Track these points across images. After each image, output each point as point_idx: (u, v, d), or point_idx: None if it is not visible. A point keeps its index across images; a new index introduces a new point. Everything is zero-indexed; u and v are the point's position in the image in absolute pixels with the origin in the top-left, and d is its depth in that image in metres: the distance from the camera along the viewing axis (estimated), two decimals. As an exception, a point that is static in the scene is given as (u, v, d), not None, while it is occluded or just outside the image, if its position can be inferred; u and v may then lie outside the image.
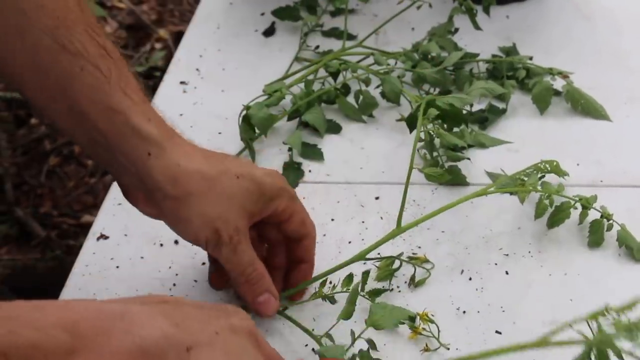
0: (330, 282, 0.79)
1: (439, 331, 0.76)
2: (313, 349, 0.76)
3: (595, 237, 0.84)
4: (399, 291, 0.81)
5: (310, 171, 0.96)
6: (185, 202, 0.69)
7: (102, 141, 0.68)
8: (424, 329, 0.76)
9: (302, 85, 1.03)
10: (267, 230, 0.79)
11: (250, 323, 0.58)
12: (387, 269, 0.81)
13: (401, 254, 0.82)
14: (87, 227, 2.01)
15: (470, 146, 0.97)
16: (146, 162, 0.68)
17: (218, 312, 0.57)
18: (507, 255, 0.84)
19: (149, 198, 0.71)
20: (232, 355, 0.52)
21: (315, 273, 0.82)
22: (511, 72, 1.06)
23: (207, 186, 0.70)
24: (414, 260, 0.82)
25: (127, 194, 0.74)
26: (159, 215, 0.73)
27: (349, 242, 0.86)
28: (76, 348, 0.45)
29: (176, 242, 0.86)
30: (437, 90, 1.03)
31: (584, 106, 1.01)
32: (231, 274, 0.74)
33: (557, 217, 0.85)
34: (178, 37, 2.06)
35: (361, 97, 1.02)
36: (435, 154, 0.93)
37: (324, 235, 0.87)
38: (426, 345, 0.75)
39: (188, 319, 0.52)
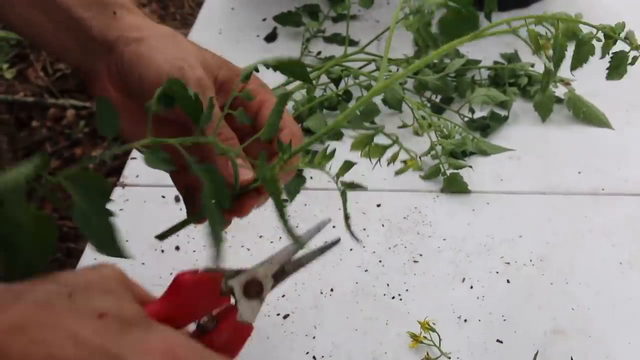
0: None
1: (440, 340, 0.76)
2: (314, 357, 0.76)
3: (618, 69, 0.79)
4: (401, 299, 0.81)
5: (311, 178, 0.95)
6: (147, 43, 0.66)
7: (64, 19, 0.68)
8: (425, 337, 0.76)
9: (303, 91, 1.03)
10: None
11: (119, 272, 0.56)
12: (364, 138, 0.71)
13: (382, 127, 0.69)
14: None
15: (472, 153, 0.97)
16: (111, 22, 0.68)
17: (91, 269, 0.55)
18: (509, 263, 0.84)
19: (112, 56, 0.68)
20: (106, 291, 0.53)
21: (316, 272, 0.81)
22: (513, 79, 1.06)
23: (171, 38, 0.68)
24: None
25: (91, 79, 0.70)
26: (121, 74, 0.68)
27: (350, 250, 0.86)
28: None
29: (177, 248, 0.86)
30: (439, 97, 1.03)
31: (585, 114, 1.01)
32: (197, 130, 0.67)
33: (581, 54, 0.78)
34: (179, 40, 2.06)
35: (363, 104, 1.02)
36: (437, 161, 0.93)
37: (325, 242, 0.86)
38: (427, 354, 0.75)
39: (67, 279, 0.53)
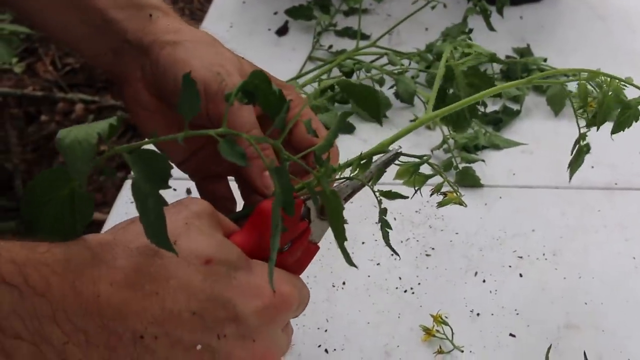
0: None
1: (452, 333, 0.75)
2: (326, 350, 0.76)
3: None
4: (413, 292, 0.81)
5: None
6: (184, 46, 0.65)
7: (98, 22, 0.67)
8: (437, 331, 0.76)
9: (315, 84, 1.03)
10: None
11: (207, 205, 0.58)
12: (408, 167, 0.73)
13: (429, 157, 0.70)
14: (96, 224, 2.02)
15: (484, 147, 0.97)
16: (146, 25, 0.67)
17: (178, 206, 0.56)
18: (521, 257, 0.84)
19: (147, 58, 0.67)
20: (206, 235, 0.54)
21: (327, 265, 0.81)
22: (525, 73, 1.05)
23: (208, 43, 0.67)
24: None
25: (123, 82, 0.69)
26: (156, 78, 0.67)
27: (362, 243, 0.86)
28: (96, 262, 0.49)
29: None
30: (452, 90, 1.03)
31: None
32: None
33: (625, 118, 0.75)
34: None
35: (375, 97, 1.01)
36: (449, 154, 0.92)
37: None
38: (440, 348, 0.75)
39: None
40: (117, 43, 0.67)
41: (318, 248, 0.62)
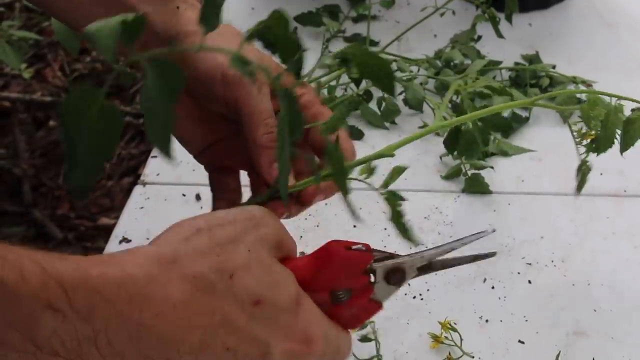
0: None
1: (461, 340, 0.75)
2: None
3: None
4: (422, 299, 0.81)
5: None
6: (211, 37, 0.61)
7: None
8: (446, 337, 0.76)
9: (324, 91, 1.03)
10: None
11: (275, 227, 0.58)
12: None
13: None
14: (104, 229, 2.03)
15: (493, 154, 0.97)
16: (173, 18, 0.66)
17: (246, 222, 0.56)
18: (530, 264, 0.84)
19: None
20: (263, 270, 0.54)
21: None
22: (534, 80, 1.05)
23: (232, 34, 0.65)
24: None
25: None
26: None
27: (371, 249, 0.86)
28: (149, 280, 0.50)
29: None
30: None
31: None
32: (250, 123, 0.64)
33: (631, 133, 0.71)
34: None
35: (384, 104, 1.02)
36: (458, 161, 0.92)
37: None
38: (449, 354, 0.75)
39: (224, 244, 0.54)
40: (147, 36, 0.66)
41: (380, 308, 0.61)
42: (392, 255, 0.61)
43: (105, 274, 0.48)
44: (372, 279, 0.60)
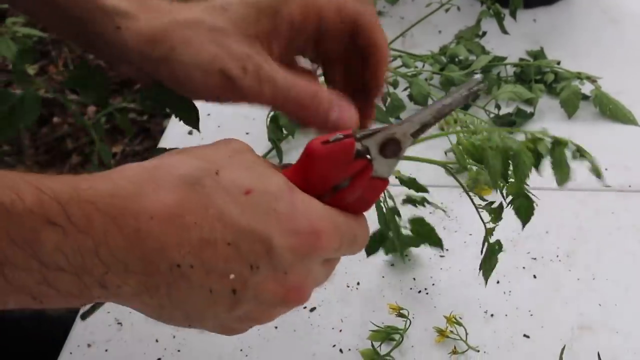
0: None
1: (466, 334, 0.76)
2: (340, 350, 0.76)
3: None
4: (427, 293, 0.81)
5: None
6: (173, 59, 0.61)
7: (73, 26, 0.64)
8: (451, 331, 0.76)
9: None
10: (322, 50, 0.65)
11: (247, 145, 0.58)
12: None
13: None
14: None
15: (498, 149, 0.97)
16: (119, 38, 0.62)
17: (220, 143, 0.57)
18: (535, 259, 0.84)
19: (141, 77, 0.65)
20: (248, 167, 0.54)
21: (342, 266, 0.82)
22: (539, 76, 1.06)
23: (192, 31, 0.61)
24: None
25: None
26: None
27: (377, 244, 0.86)
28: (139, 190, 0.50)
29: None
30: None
31: (612, 111, 1.01)
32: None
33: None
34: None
35: (389, 100, 1.02)
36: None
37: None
38: (454, 348, 0.75)
39: (207, 154, 0.55)
40: (99, 49, 0.65)
41: (387, 183, 0.58)
42: (379, 129, 0.57)
43: (94, 187, 0.49)
44: (368, 156, 0.57)
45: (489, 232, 0.72)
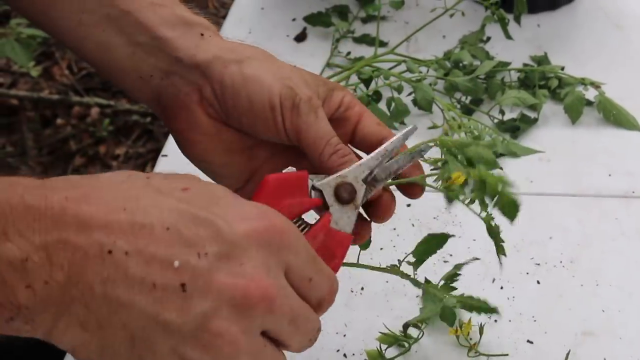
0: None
1: (470, 339, 0.76)
2: (344, 355, 0.76)
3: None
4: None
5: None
6: (249, 63, 0.64)
7: (146, 39, 0.65)
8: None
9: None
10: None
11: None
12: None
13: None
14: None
15: (501, 155, 0.97)
16: (200, 43, 0.64)
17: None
18: (539, 264, 0.84)
19: (206, 80, 0.64)
20: (191, 183, 0.52)
21: (346, 270, 0.82)
22: (543, 81, 1.06)
23: (269, 59, 0.66)
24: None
25: (173, 107, 0.66)
26: (223, 98, 0.64)
27: (381, 249, 0.87)
28: None
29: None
30: (469, 98, 1.04)
31: (616, 117, 1.01)
32: (315, 149, 0.63)
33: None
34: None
35: (393, 105, 1.02)
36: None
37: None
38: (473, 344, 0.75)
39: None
40: (167, 62, 0.65)
41: (350, 238, 0.58)
42: (332, 175, 0.59)
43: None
44: (323, 200, 0.58)
45: (488, 219, 0.70)
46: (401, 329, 0.76)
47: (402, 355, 0.75)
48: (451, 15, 1.11)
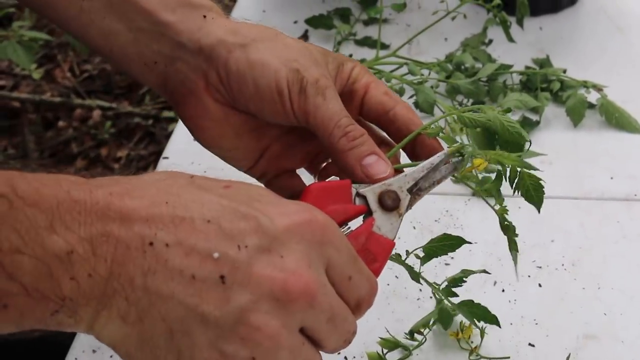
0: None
1: (471, 342, 0.76)
2: (345, 358, 0.76)
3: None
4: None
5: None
6: (254, 46, 0.62)
7: (147, 25, 0.64)
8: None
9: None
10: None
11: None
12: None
13: None
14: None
15: (503, 156, 0.97)
16: (203, 26, 0.63)
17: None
18: (541, 267, 0.84)
19: (211, 65, 0.63)
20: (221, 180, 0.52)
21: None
22: (545, 84, 1.06)
23: (276, 38, 0.64)
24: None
25: (180, 93, 0.65)
26: (228, 83, 0.63)
27: (382, 251, 0.86)
28: None
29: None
30: (471, 101, 1.03)
31: (618, 119, 1.01)
32: (324, 132, 0.61)
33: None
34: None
35: (395, 107, 1.02)
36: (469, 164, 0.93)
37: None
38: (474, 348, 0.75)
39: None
40: (170, 48, 0.64)
41: (392, 244, 0.58)
42: (377, 184, 0.59)
43: (39, 174, 0.46)
44: (367, 207, 0.58)
45: (502, 211, 0.71)
46: (401, 331, 0.76)
47: (403, 359, 0.75)
48: (453, 18, 1.10)
